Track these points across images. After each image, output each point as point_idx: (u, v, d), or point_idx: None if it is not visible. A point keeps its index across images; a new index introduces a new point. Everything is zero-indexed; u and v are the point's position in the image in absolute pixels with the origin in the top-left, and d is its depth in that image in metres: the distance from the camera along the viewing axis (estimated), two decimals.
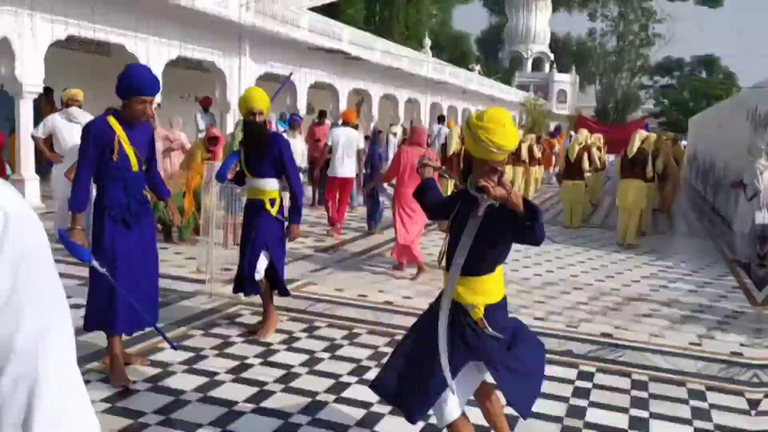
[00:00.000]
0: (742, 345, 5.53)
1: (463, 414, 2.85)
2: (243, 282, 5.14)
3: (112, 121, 3.98)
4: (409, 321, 5.84)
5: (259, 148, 4.92)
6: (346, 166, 9.71)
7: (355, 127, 10.34)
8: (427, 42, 27.52)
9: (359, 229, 10.28)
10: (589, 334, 5.65)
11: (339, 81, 19.64)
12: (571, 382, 4.52)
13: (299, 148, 10.56)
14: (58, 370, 0.84)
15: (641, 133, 9.84)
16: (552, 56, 63.62)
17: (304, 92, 17.61)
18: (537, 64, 64.51)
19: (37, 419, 0.80)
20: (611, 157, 19.05)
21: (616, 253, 9.50)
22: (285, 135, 10.46)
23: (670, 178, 13.02)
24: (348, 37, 19.14)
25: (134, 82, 3.92)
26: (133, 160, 4.03)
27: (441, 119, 17.98)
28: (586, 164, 10.81)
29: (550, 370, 4.73)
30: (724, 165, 14.49)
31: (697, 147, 21.61)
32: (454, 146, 10.22)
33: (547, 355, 5.04)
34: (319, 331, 5.34)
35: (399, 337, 5.39)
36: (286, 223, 5.15)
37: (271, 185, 5.07)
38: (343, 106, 19.47)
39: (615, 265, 8.59)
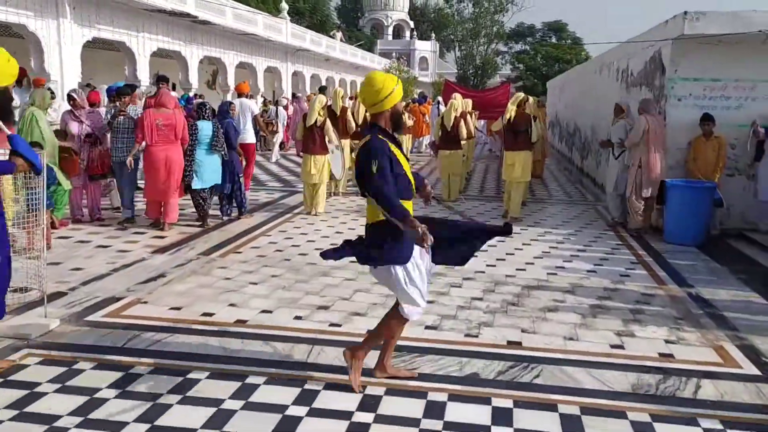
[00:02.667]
0: (668, 342, 4.67)
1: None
2: None
3: None
4: (267, 351, 4.47)
5: None
6: (243, 133, 9.99)
7: (249, 96, 11.20)
8: (284, 6, 25.49)
9: (212, 218, 8.64)
10: (494, 344, 4.56)
11: (186, 48, 17.43)
12: (486, 429, 3.36)
13: None
14: None
15: (520, 97, 8.91)
16: (412, 24, 63.49)
17: (144, 61, 15.31)
18: (398, 31, 64.16)
19: None
20: (481, 123, 18.50)
21: None
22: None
23: (539, 143, 12.39)
24: None
25: None
26: None
27: (322, 90, 16.63)
28: (464, 132, 9.79)
29: (455, 411, 3.57)
30: (591, 127, 14.17)
31: (558, 110, 21.63)
32: (315, 117, 8.80)
33: (448, 386, 3.92)
34: (138, 382, 3.80)
35: (251, 380, 4.01)
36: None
37: None
38: (193, 75, 17.37)
39: (503, 245, 7.64)
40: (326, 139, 8.87)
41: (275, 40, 23.20)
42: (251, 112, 10.97)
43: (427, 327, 4.85)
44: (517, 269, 6.55)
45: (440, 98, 17.98)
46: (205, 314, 5.00)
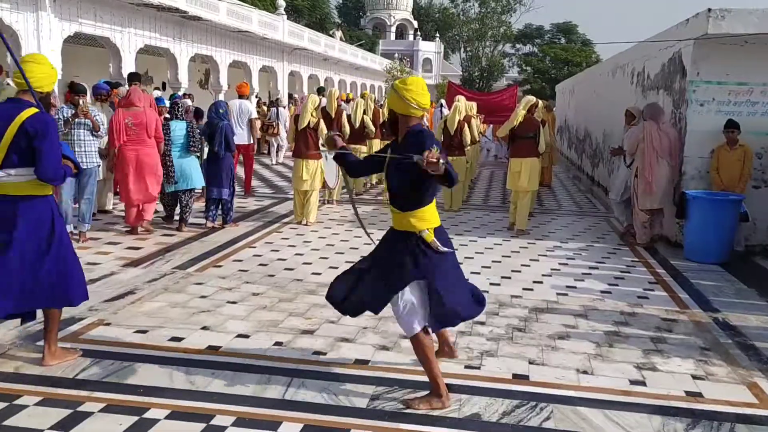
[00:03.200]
0: (694, 378, 4.10)
1: (424, 329, 3.51)
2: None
3: None
4: (239, 384, 3.92)
5: None
6: (239, 135, 10.14)
7: (247, 98, 11.45)
8: (281, 3, 24.87)
9: (195, 227, 8.09)
10: (498, 378, 4.00)
11: (176, 45, 16.85)
12: None
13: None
14: None
15: (531, 101, 8.29)
16: (416, 24, 62.79)
17: (130, 57, 14.74)
18: (401, 32, 63.51)
19: None
20: (489, 128, 17.92)
21: (507, 242, 8.02)
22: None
23: (548, 149, 11.84)
24: None
25: None
26: None
27: (320, 91, 16.44)
28: (468, 137, 9.20)
29: None
30: (603, 133, 13.61)
31: (567, 115, 21.06)
32: (308, 118, 8.24)
33: (446, 430, 3.37)
34: (86, 422, 3.27)
35: (218, 421, 3.47)
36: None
37: None
38: (183, 74, 16.80)
39: (509, 260, 7.08)
40: (320, 142, 8.31)
41: (271, 38, 22.59)
42: (249, 114, 10.96)
43: None
44: (523, 289, 5.98)
45: (443, 101, 17.42)
46: (173, 339, 4.44)
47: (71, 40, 13.48)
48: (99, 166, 7.33)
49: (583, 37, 58.06)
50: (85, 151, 7.03)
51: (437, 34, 62.43)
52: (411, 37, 61.96)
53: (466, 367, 4.15)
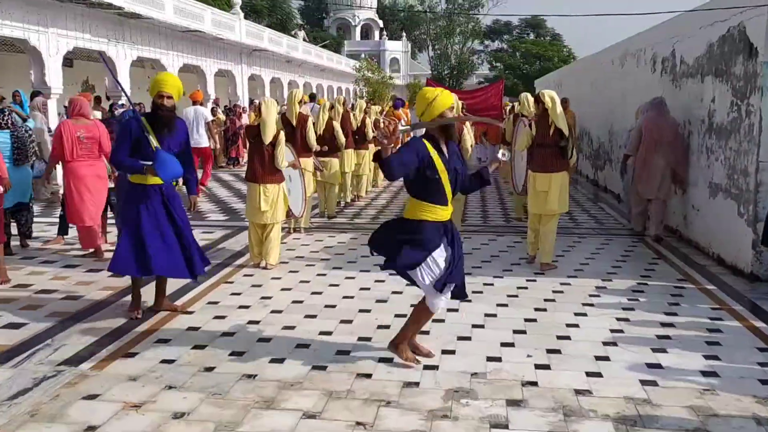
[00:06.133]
0: None
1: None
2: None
3: None
4: None
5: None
6: (196, 139, 11.45)
7: (201, 104, 12.58)
8: (237, 1, 22.65)
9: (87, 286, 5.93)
10: None
11: (114, 48, 14.58)
12: None
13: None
14: None
15: (552, 96, 6.25)
16: (381, 23, 61.04)
17: (55, 62, 12.44)
18: (366, 32, 61.69)
19: None
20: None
21: (532, 282, 6.05)
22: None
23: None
24: None
25: None
26: None
27: (312, 98, 16.62)
28: (468, 141, 7.22)
29: None
30: (608, 132, 11.83)
31: None
32: (273, 130, 6.12)
33: None
34: None
35: None
36: None
37: None
38: (124, 79, 14.53)
39: (547, 316, 5.10)
40: (277, 160, 6.25)
41: (227, 39, 20.34)
42: (204, 118, 11.99)
43: None
44: (587, 374, 3.99)
45: None
46: None
47: None
48: None
49: (552, 32, 57.03)
50: None
51: (403, 33, 60.75)
52: (377, 37, 60.07)
53: None
